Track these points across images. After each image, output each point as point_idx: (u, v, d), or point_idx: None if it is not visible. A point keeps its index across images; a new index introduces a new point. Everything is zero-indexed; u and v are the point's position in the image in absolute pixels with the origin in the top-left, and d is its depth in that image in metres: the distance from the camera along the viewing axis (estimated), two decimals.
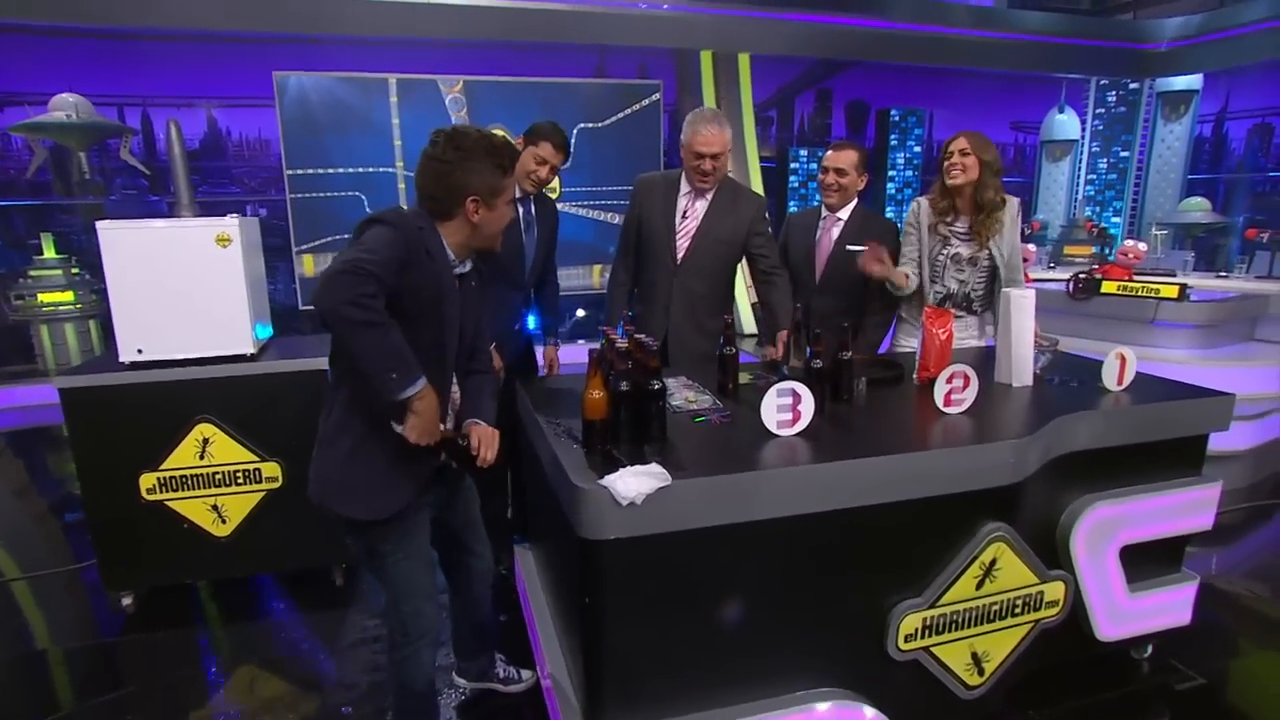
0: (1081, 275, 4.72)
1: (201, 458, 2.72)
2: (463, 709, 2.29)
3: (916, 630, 1.88)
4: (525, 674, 2.34)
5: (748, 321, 7.37)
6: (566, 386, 2.35)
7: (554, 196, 5.22)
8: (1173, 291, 4.36)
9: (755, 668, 1.77)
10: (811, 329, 2.10)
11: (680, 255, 2.83)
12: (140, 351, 2.62)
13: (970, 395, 2.05)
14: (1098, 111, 9.70)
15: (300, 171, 6.27)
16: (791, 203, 8.82)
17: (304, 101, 6.19)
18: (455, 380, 1.84)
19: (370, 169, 6.41)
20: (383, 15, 6.44)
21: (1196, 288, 4.68)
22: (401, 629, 1.81)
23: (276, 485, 2.80)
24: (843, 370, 2.14)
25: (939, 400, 2.03)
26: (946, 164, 2.72)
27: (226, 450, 2.74)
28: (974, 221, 2.75)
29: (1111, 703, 2.30)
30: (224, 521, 2.79)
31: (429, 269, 1.65)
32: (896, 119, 9.20)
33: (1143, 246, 4.81)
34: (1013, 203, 2.76)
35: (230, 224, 2.62)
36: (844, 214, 3.01)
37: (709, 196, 2.82)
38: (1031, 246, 6.30)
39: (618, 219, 7.10)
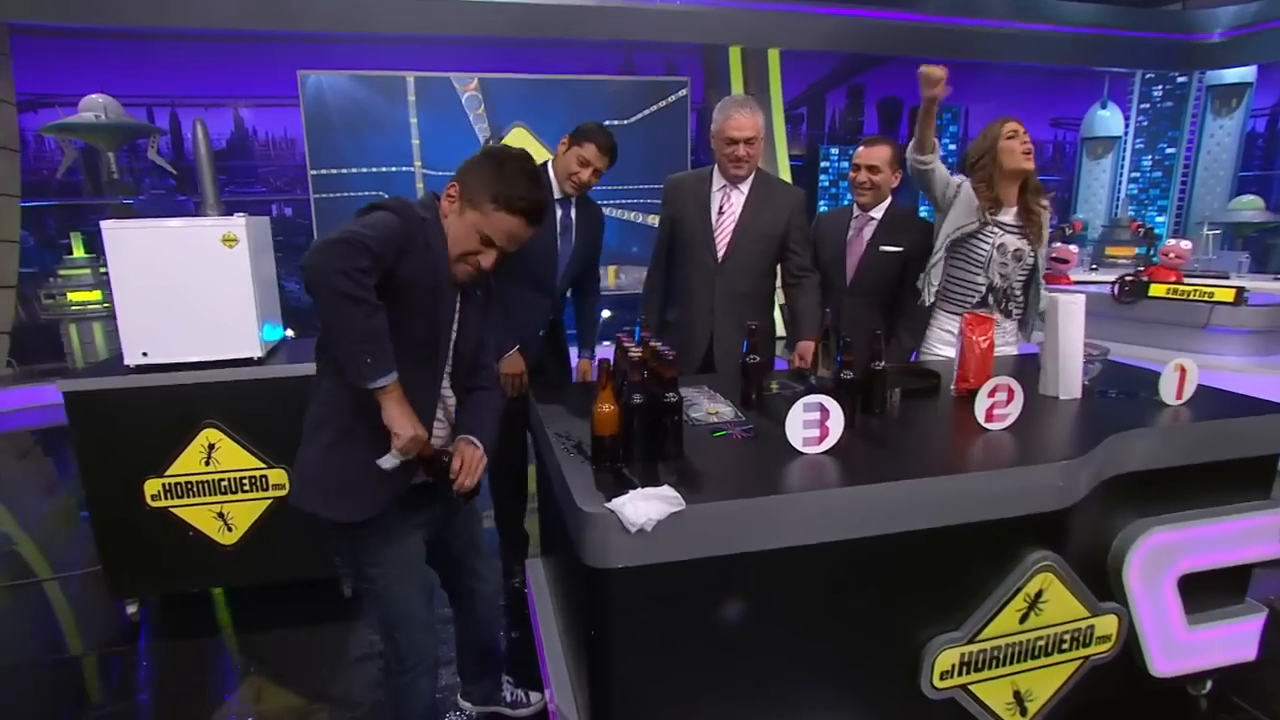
0: (1128, 278, 4.49)
1: (207, 464, 2.65)
2: None
3: (953, 667, 1.72)
4: (534, 697, 2.22)
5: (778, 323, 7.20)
6: (582, 397, 2.23)
7: None
8: (1229, 295, 4.11)
9: (776, 708, 1.63)
10: (842, 335, 1.95)
11: (721, 253, 2.71)
12: (145, 354, 2.56)
13: (1014, 410, 1.89)
14: (1142, 107, 9.36)
15: (323, 171, 6.25)
16: (822, 202, 8.62)
17: (327, 101, 6.17)
18: (453, 393, 1.73)
19: (390, 168, 6.37)
20: (410, 13, 6.39)
21: (1252, 290, 4.42)
22: (396, 656, 1.70)
23: (284, 493, 2.72)
24: (875, 381, 1.99)
25: (980, 416, 1.87)
26: (1010, 143, 2.50)
27: (233, 456, 2.66)
28: (1023, 209, 2.58)
29: None
30: (230, 529, 2.72)
31: (426, 259, 1.55)
32: None
33: (1186, 245, 4.57)
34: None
35: (237, 223, 2.54)
36: (877, 213, 2.86)
37: (744, 190, 2.71)
38: (1073, 248, 6.03)
39: (642, 218, 6.99)
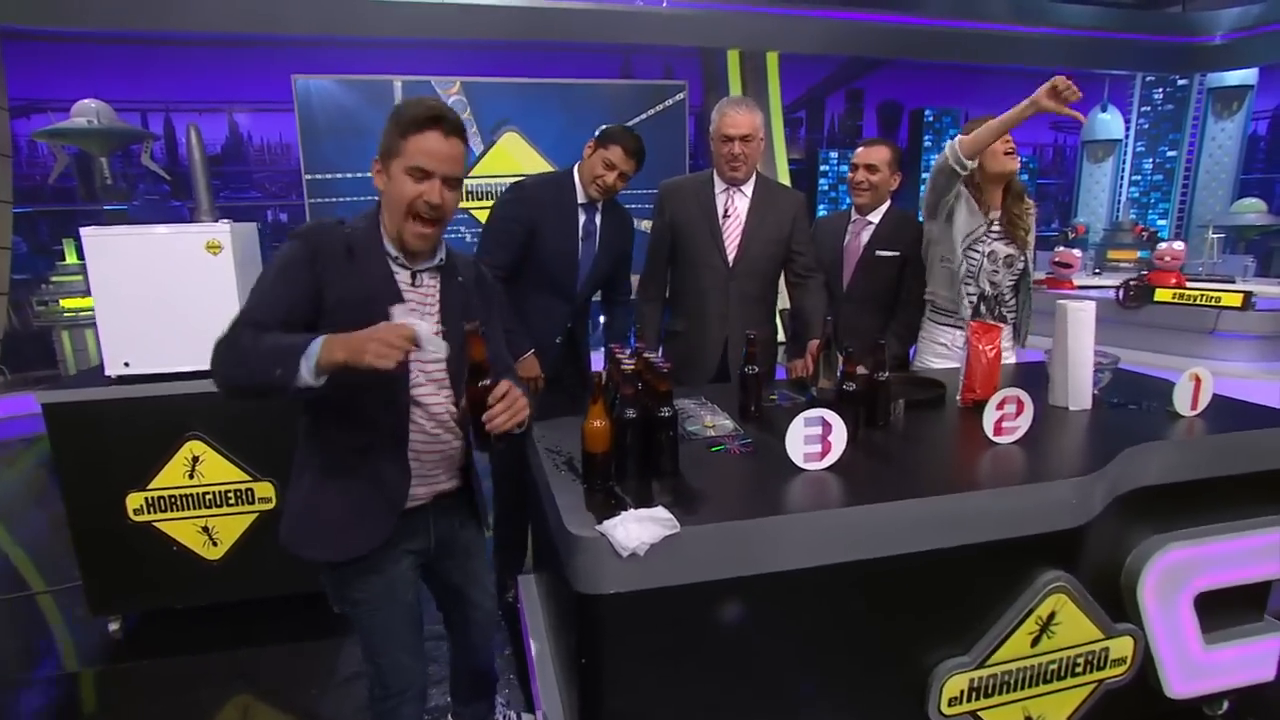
0: (1133, 282, 4.42)
1: (191, 477, 2.57)
2: None
3: (962, 693, 1.64)
4: (527, 719, 2.15)
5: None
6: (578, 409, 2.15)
7: None
8: (1236, 300, 4.04)
9: None
10: (842, 344, 1.88)
11: (732, 257, 2.64)
12: (127, 364, 2.49)
13: (1024, 423, 1.81)
14: (1143, 109, 9.31)
15: (318, 176, 6.18)
16: (821, 206, 8.56)
17: (321, 105, 6.10)
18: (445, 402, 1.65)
19: None
20: (410, 17, 6.34)
21: (1259, 295, 4.35)
22: (379, 682, 1.62)
23: (270, 506, 2.65)
24: (878, 392, 1.92)
25: (988, 429, 1.80)
26: (992, 146, 2.37)
27: (217, 469, 2.59)
28: (1006, 214, 2.52)
29: None
30: (215, 544, 2.64)
31: (348, 269, 1.48)
32: (930, 119, 8.89)
33: (1179, 246, 4.50)
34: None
35: (221, 230, 2.48)
36: (875, 216, 2.79)
37: (747, 193, 2.65)
38: (1076, 251, 5.96)
39: (641, 224, 6.91)
